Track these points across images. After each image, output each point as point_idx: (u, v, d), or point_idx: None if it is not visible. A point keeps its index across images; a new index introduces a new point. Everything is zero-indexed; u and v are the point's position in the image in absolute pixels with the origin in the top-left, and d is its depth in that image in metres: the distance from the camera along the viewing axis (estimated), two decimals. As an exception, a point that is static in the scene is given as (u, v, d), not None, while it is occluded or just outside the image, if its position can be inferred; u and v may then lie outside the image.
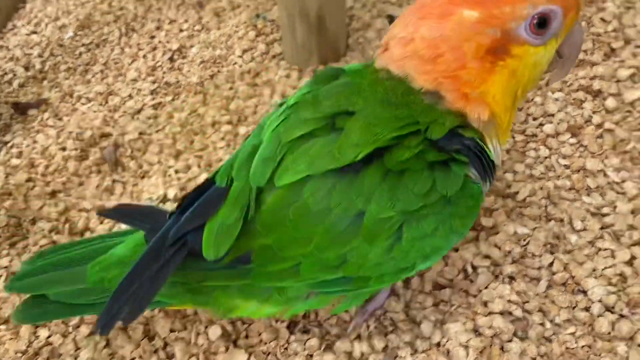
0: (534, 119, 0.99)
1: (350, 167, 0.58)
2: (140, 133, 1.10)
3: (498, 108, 0.62)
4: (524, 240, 0.82)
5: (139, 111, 1.16)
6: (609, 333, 0.71)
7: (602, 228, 0.82)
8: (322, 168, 0.58)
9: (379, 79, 0.62)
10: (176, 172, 1.01)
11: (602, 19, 1.09)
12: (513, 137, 0.96)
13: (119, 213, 0.71)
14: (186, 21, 1.39)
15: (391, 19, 1.24)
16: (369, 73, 0.64)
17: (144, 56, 1.31)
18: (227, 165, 0.66)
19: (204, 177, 0.99)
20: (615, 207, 0.84)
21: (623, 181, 0.87)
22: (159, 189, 0.98)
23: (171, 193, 0.97)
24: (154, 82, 1.22)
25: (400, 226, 0.58)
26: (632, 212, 0.83)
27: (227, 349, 0.76)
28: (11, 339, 0.80)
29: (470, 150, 0.61)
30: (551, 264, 0.79)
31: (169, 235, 0.62)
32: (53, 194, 1.02)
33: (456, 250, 0.82)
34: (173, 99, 1.17)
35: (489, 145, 0.63)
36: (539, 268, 0.79)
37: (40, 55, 1.36)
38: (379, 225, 0.58)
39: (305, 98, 0.65)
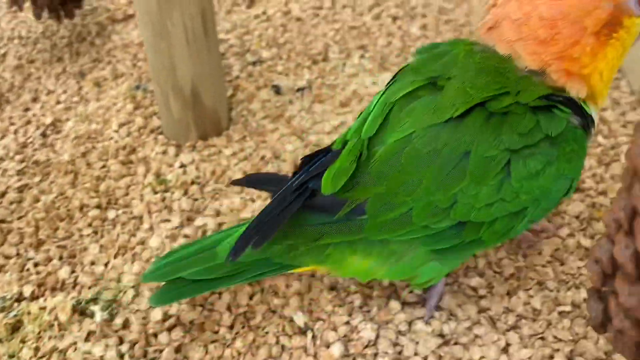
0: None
1: (452, 119, 0.64)
2: (0, 221, 1.01)
3: (602, 83, 0.66)
4: (398, 332, 0.78)
5: (2, 195, 1.06)
6: None
7: (479, 312, 0.79)
8: (425, 124, 0.65)
9: (473, 51, 0.68)
10: (35, 265, 0.92)
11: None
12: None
13: (250, 180, 0.84)
14: (65, 92, 1.31)
15: (277, 88, 1.21)
16: (464, 45, 0.70)
17: (15, 131, 1.22)
18: (342, 136, 0.75)
19: (65, 270, 0.90)
20: (492, 288, 0.82)
21: (500, 259, 0.85)
22: (13, 287, 0.89)
23: (27, 290, 0.88)
24: (22, 161, 1.13)
25: (507, 165, 0.62)
26: (508, 293, 0.81)
27: None
28: None
29: (570, 102, 0.65)
30: (426, 357, 0.75)
31: (293, 185, 0.71)
32: None
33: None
34: (41, 180, 1.08)
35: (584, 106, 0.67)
36: (414, 362, 0.75)
37: None
38: (485, 164, 0.62)
39: (406, 68, 0.73)
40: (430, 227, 0.66)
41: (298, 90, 1.21)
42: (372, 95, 1.18)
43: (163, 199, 0.99)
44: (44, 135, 1.19)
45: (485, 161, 0.62)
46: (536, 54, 0.64)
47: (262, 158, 1.05)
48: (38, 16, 1.38)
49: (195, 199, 0.99)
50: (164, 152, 1.08)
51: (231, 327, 0.81)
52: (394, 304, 0.80)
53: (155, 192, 1.01)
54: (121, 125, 1.16)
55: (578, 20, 0.62)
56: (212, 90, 1.06)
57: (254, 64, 1.30)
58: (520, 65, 0.65)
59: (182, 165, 1.05)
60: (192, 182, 1.02)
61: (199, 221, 0.94)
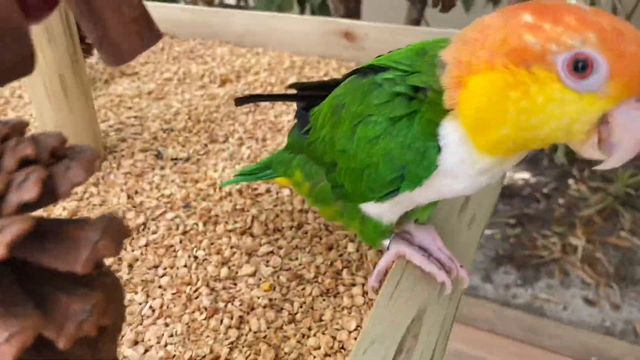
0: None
1: (357, 77, 0.75)
2: None
3: (476, 116, 0.60)
4: None
5: None
6: None
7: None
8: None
9: (439, 40, 0.69)
10: None
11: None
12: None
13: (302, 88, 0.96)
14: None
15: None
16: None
17: None
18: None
19: None
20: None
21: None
22: None
23: None
24: None
25: (357, 124, 0.70)
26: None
27: None
28: None
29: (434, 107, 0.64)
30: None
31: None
32: None
33: None
34: None
35: (451, 135, 0.63)
36: None
37: None
38: (348, 117, 0.72)
39: None
40: (323, 160, 0.78)
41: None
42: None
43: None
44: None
45: (349, 114, 0.71)
46: (452, 48, 0.63)
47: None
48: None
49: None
50: None
51: None
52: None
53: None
54: None
55: (492, 34, 0.58)
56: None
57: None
58: (441, 54, 0.63)
59: None
60: None
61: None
